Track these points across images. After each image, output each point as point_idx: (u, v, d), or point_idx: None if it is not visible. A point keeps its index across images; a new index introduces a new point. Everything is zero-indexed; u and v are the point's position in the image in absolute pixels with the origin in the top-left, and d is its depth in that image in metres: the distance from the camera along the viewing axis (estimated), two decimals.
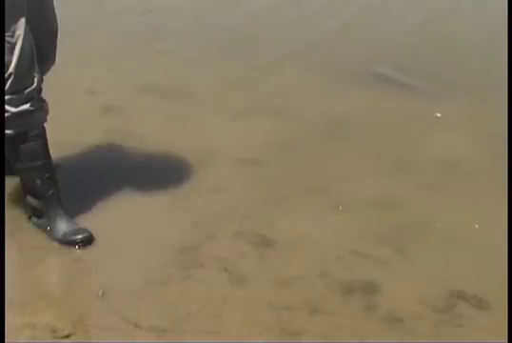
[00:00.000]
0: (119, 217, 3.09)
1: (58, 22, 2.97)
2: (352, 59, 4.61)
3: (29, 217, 3.02)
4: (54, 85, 3.01)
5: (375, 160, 3.52)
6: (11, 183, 3.10)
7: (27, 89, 2.75)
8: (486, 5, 5.39)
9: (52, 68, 3.06)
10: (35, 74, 2.77)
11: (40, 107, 2.82)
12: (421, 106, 4.06)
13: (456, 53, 4.71)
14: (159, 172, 3.38)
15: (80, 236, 2.90)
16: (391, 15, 5.34)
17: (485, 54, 4.63)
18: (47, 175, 2.91)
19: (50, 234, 2.94)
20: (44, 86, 2.86)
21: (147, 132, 3.71)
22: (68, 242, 2.91)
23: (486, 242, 2.94)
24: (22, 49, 2.68)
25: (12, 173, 3.04)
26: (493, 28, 4.84)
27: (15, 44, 2.67)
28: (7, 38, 2.66)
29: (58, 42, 3.02)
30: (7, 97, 2.72)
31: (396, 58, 4.64)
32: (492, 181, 3.28)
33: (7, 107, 2.73)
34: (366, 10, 5.40)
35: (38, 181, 2.90)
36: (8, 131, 2.77)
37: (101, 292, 2.64)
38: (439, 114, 3.99)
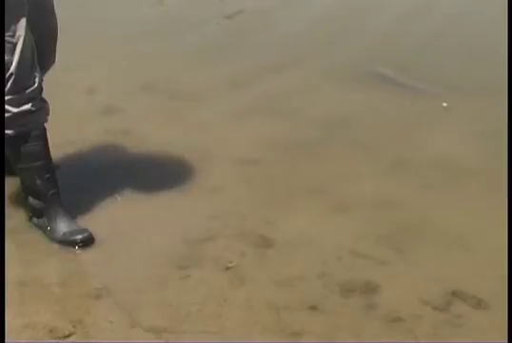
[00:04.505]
0: (119, 217, 3.09)
1: (58, 21, 2.98)
2: (353, 59, 4.61)
3: (30, 217, 3.02)
4: (54, 85, 3.01)
5: (375, 160, 3.52)
6: (11, 183, 3.10)
7: (28, 89, 2.75)
8: (488, 6, 5.38)
9: (52, 68, 3.06)
10: (36, 74, 2.77)
11: (41, 107, 2.82)
12: (421, 106, 4.06)
13: (456, 54, 4.71)
14: (159, 172, 3.38)
15: (80, 236, 2.90)
16: (392, 16, 5.34)
17: (486, 55, 4.63)
18: (47, 176, 2.91)
19: (50, 234, 2.94)
20: (44, 86, 2.86)
21: (148, 132, 3.71)
22: (68, 242, 2.91)
23: (486, 242, 2.93)
24: (23, 49, 2.69)
25: (12, 173, 3.04)
26: (495, 28, 4.84)
27: (16, 44, 2.68)
28: (7, 38, 2.66)
29: (58, 42, 3.02)
30: (8, 97, 2.72)
31: (396, 59, 4.64)
32: (492, 181, 3.28)
33: (8, 107, 2.73)
34: (368, 11, 5.40)
35: (38, 181, 2.90)
36: (8, 132, 2.77)
37: None
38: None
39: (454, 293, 2.67)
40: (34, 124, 2.83)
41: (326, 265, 2.83)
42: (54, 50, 3.02)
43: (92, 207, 3.11)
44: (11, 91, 2.72)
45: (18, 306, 2.61)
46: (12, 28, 2.66)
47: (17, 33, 2.67)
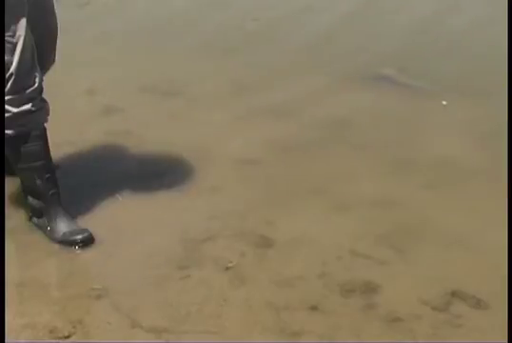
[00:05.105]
0: (119, 217, 3.09)
1: (58, 21, 2.98)
2: (354, 60, 4.61)
3: (30, 217, 3.02)
4: (54, 85, 3.01)
5: (375, 160, 3.52)
6: (11, 183, 3.10)
7: (28, 89, 2.75)
8: (488, 6, 5.39)
9: (52, 68, 3.06)
10: (36, 74, 2.77)
11: (41, 107, 2.82)
12: (421, 106, 4.06)
13: (457, 54, 4.71)
14: (159, 172, 3.38)
15: (80, 236, 2.90)
16: (394, 16, 5.33)
17: (487, 55, 4.63)
18: (47, 176, 2.91)
19: (50, 234, 2.94)
20: (44, 86, 2.86)
21: (148, 132, 3.71)
22: (68, 242, 2.91)
23: (486, 242, 2.93)
24: (23, 49, 2.69)
25: (12, 173, 3.04)
26: (495, 28, 4.84)
27: (16, 44, 2.68)
28: (8, 38, 2.67)
29: (58, 42, 3.02)
30: (8, 97, 2.72)
31: (397, 59, 4.63)
32: (491, 181, 3.28)
33: (8, 107, 2.73)
34: (369, 11, 5.40)
35: (38, 181, 2.90)
36: (8, 132, 2.77)
37: None
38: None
39: (454, 293, 2.67)
40: (34, 124, 2.83)
41: (326, 265, 2.83)
42: (54, 50, 3.03)
43: (92, 207, 3.11)
44: (12, 91, 2.72)
45: (18, 306, 2.61)
46: (12, 28, 2.66)
47: (17, 33, 2.67)
